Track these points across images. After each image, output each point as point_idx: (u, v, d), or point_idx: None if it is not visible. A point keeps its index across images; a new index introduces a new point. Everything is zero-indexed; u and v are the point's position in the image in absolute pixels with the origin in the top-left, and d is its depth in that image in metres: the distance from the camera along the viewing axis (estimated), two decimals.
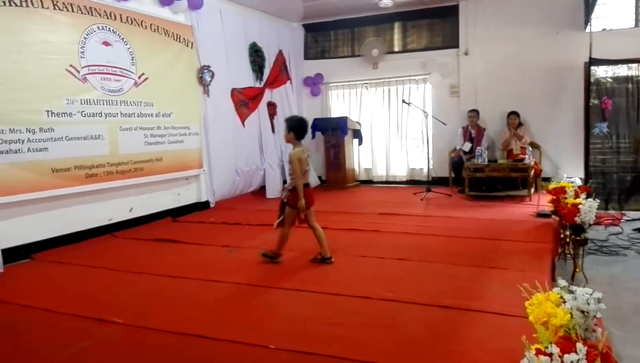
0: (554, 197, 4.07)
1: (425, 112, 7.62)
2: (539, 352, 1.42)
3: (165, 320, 2.83)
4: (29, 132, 4.32)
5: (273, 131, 7.98)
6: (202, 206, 6.55)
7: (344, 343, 2.45)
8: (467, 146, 7.51)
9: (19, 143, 4.23)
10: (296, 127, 3.84)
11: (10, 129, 4.16)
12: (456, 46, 8.06)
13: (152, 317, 2.89)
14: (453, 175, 7.67)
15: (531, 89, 7.55)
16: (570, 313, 1.57)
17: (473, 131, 7.60)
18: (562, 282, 1.74)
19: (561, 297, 1.68)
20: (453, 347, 2.37)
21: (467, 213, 5.78)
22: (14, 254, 4.24)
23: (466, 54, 7.96)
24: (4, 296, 3.34)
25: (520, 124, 7.34)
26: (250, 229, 5.37)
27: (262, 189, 7.75)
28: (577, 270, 3.78)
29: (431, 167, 7.61)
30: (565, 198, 3.94)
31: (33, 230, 4.45)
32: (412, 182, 8.40)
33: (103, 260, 4.22)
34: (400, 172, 8.64)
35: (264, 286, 3.39)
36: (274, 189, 7.61)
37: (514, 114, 7.33)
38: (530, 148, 6.98)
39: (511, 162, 6.82)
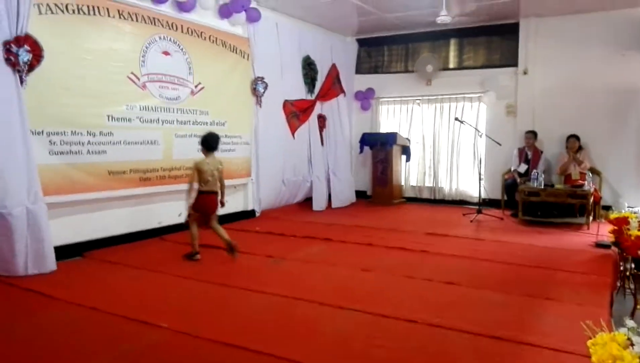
0: (616, 227, 3.84)
1: (479, 131, 7.42)
2: None
3: (209, 328, 2.82)
4: (90, 135, 4.49)
5: (322, 143, 7.99)
6: (248, 214, 6.61)
7: None
8: (523, 168, 7.23)
9: (80, 144, 4.41)
10: (203, 141, 4.49)
11: (72, 132, 4.34)
12: (515, 64, 7.82)
13: (196, 325, 2.89)
14: (506, 198, 7.41)
15: (593, 112, 7.20)
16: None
17: (530, 153, 7.32)
18: (630, 323, 1.60)
19: (629, 339, 1.55)
20: None
21: (520, 238, 5.53)
22: (67, 251, 4.38)
23: (525, 73, 7.70)
24: (55, 293, 3.45)
25: (580, 148, 7.02)
26: (295, 241, 5.36)
27: (306, 200, 7.75)
28: (638, 306, 3.51)
29: (482, 188, 7.37)
30: (629, 229, 3.69)
31: (86, 229, 4.61)
32: (461, 202, 8.17)
33: (151, 263, 4.31)
34: (449, 191, 8.42)
35: (308, 301, 3.34)
36: (320, 202, 7.59)
37: (573, 137, 7.01)
38: (590, 174, 6.63)
39: (569, 187, 6.51)
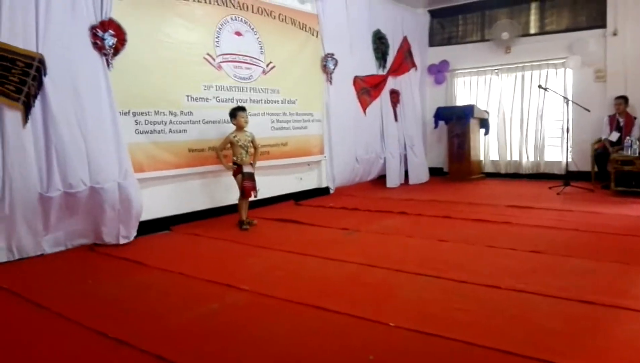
0: None
1: (565, 98, 6.93)
2: None
3: (288, 291, 2.89)
4: (171, 115, 4.72)
5: (396, 119, 7.85)
6: (323, 191, 6.67)
7: (470, 328, 2.29)
8: (615, 136, 6.69)
9: (162, 124, 4.64)
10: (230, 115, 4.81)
11: (155, 112, 4.58)
12: (603, 25, 7.21)
13: (276, 287, 2.97)
14: (596, 169, 6.90)
15: None
16: None
17: (621, 120, 6.76)
18: None
19: None
20: (598, 343, 2.10)
21: (613, 209, 5.14)
22: (156, 225, 4.66)
23: (614, 34, 7.09)
24: (145, 260, 3.68)
25: None
26: (369, 214, 5.34)
27: (381, 178, 7.68)
28: None
29: (570, 160, 6.90)
30: None
31: (172, 204, 4.87)
32: (546, 176, 7.70)
33: (233, 235, 4.49)
34: (533, 164, 7.97)
35: (384, 268, 3.32)
36: (394, 178, 7.50)
37: None
38: None
39: None
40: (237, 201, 4.86)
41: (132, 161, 4.31)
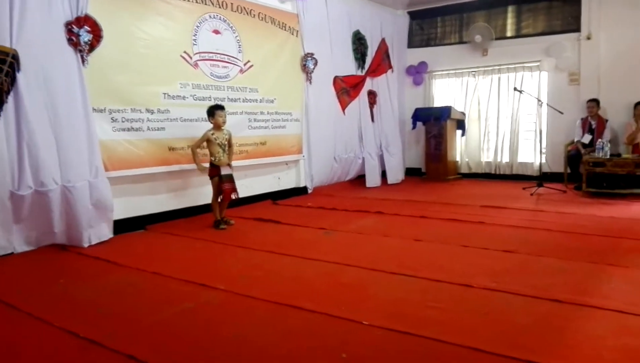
0: None
1: (539, 100, 7.06)
2: None
3: (264, 290, 2.88)
4: (148, 112, 4.66)
5: (373, 120, 7.90)
6: (301, 191, 6.67)
7: (442, 326, 2.32)
8: (587, 138, 6.85)
9: (139, 121, 4.58)
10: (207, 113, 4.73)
11: (131, 109, 4.52)
12: (577, 29, 7.37)
13: (252, 287, 2.96)
14: (569, 171, 7.05)
15: None
16: None
17: (593, 123, 6.92)
18: None
19: None
20: (566, 340, 2.15)
21: (584, 209, 5.27)
22: (131, 224, 4.60)
23: (588, 38, 7.25)
24: (119, 260, 3.63)
25: None
26: (347, 214, 5.36)
27: (359, 178, 7.72)
28: None
29: (544, 161, 7.03)
30: None
31: (148, 203, 4.81)
32: (520, 177, 7.83)
33: (209, 234, 4.46)
34: (507, 166, 8.11)
35: (360, 267, 3.34)
36: (373, 178, 7.54)
37: None
38: None
39: (637, 157, 6.10)
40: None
41: (108, 159, 4.27)
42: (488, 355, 2.03)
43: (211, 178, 4.74)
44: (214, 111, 4.68)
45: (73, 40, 3.92)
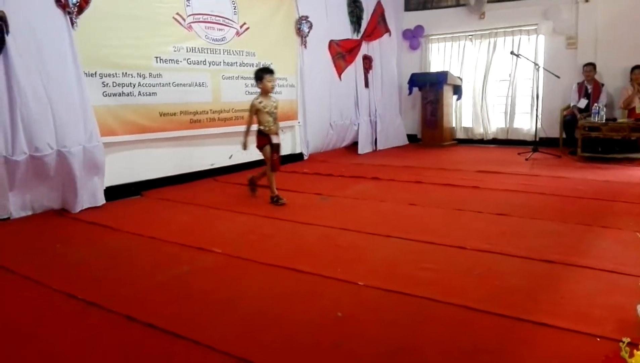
0: None
1: (536, 64, 6.99)
2: None
3: (260, 253, 2.91)
4: (140, 77, 4.59)
5: (367, 85, 7.82)
6: (296, 157, 6.66)
7: (435, 286, 2.37)
8: (583, 103, 6.83)
9: (131, 86, 4.52)
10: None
11: (123, 73, 4.45)
12: None
13: (248, 250, 2.99)
14: (564, 135, 7.05)
15: None
16: None
17: (590, 87, 6.88)
18: None
19: None
20: (557, 299, 2.19)
21: (579, 174, 5.30)
22: (126, 190, 4.60)
23: (586, 1, 7.14)
24: (115, 224, 3.65)
25: None
26: (343, 180, 5.37)
27: (355, 144, 7.70)
28: None
29: (539, 126, 7.03)
30: None
31: (143, 170, 4.78)
32: (516, 142, 7.84)
33: (205, 200, 4.46)
34: (503, 131, 8.09)
35: (356, 231, 3.37)
36: (365, 145, 7.53)
37: (639, 68, 6.50)
38: None
39: (633, 121, 6.10)
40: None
41: (100, 125, 4.22)
42: (481, 314, 2.07)
43: (261, 148, 4.28)
44: (262, 75, 4.18)
45: (61, 1, 3.82)
